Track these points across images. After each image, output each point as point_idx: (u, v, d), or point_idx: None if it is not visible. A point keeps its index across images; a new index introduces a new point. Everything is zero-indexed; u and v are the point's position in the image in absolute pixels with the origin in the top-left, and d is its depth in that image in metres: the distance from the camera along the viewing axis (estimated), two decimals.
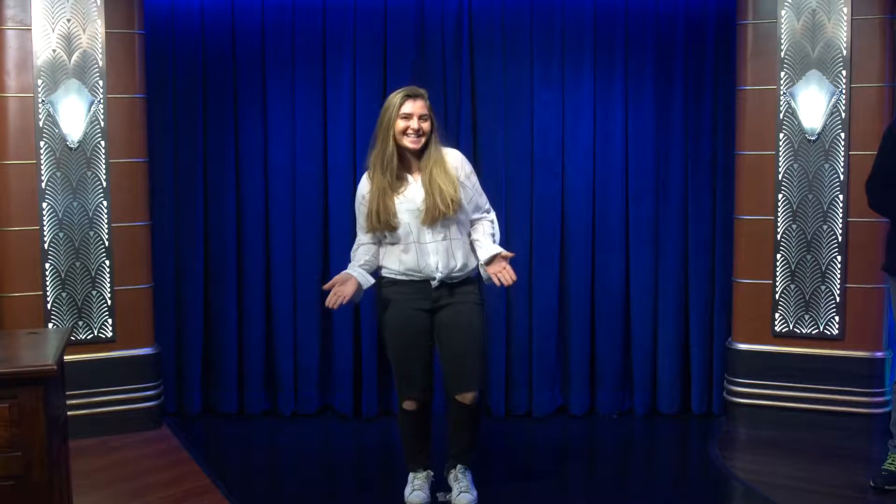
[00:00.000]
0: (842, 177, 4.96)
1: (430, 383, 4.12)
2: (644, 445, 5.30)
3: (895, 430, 4.33)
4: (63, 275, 4.94)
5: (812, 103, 4.97)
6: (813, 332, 5.08)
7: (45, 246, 4.90)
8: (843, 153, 4.95)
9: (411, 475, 4.20)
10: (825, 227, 5.01)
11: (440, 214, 3.92)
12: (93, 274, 4.99)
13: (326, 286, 3.98)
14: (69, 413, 3.61)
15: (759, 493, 4.29)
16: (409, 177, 4.01)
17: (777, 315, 5.13)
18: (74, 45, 4.86)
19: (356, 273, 4.00)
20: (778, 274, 5.11)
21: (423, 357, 4.06)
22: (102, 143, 4.94)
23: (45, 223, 4.89)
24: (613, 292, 5.44)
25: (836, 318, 5.04)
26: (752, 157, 5.11)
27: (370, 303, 5.05)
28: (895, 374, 4.98)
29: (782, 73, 5.01)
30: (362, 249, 4.07)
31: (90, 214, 4.96)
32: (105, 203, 4.97)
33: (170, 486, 4.37)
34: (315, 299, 5.42)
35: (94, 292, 5.00)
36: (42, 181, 4.86)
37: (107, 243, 4.99)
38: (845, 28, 4.89)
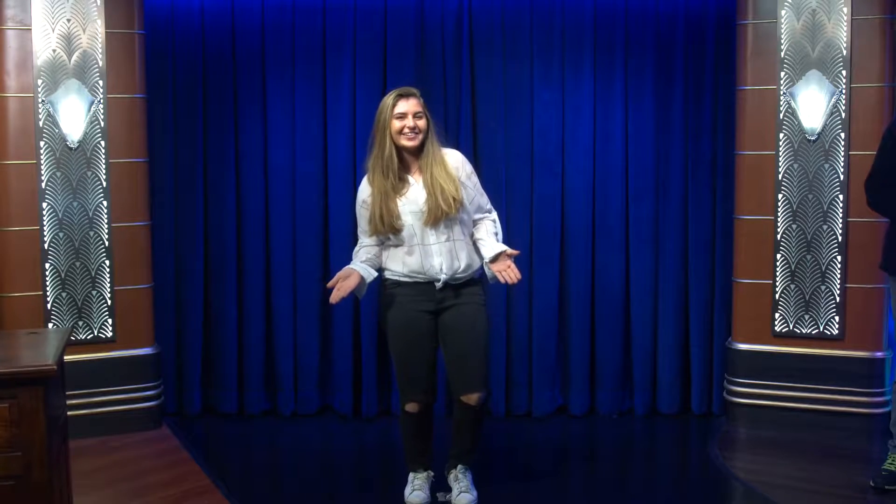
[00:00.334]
0: (842, 177, 4.96)
1: (433, 386, 4.12)
2: (644, 445, 5.30)
3: (895, 430, 4.34)
4: (63, 275, 4.94)
5: (812, 103, 4.97)
6: (813, 332, 5.08)
7: (45, 246, 4.90)
8: (843, 153, 4.95)
9: (411, 475, 4.20)
10: (825, 227, 5.01)
11: (443, 214, 3.92)
12: (93, 274, 4.99)
13: (330, 283, 3.98)
14: (69, 413, 3.61)
15: (759, 493, 4.29)
16: (410, 178, 4.01)
17: (777, 315, 5.13)
18: (74, 45, 4.86)
19: (358, 267, 4.00)
20: (778, 274, 5.11)
21: (426, 359, 4.06)
22: (102, 143, 4.94)
23: (45, 223, 4.89)
24: (613, 292, 5.44)
25: (836, 318, 5.04)
26: (752, 157, 5.11)
27: (370, 303, 5.06)
28: (895, 374, 4.98)
29: (782, 73, 5.01)
30: (364, 249, 4.07)
31: (90, 214, 4.96)
32: (105, 203, 4.97)
33: (170, 486, 4.37)
34: (315, 299, 5.42)
35: (94, 292, 5.00)
36: (42, 181, 4.86)
37: (107, 243, 4.99)
38: (845, 28, 4.89)
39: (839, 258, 5.00)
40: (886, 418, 4.71)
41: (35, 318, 4.89)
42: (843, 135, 4.94)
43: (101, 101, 4.92)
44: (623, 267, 5.44)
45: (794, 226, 5.06)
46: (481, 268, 4.09)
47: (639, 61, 5.36)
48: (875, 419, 4.97)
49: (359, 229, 4.11)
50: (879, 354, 5.01)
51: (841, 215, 4.98)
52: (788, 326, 5.12)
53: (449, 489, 4.18)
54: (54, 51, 4.83)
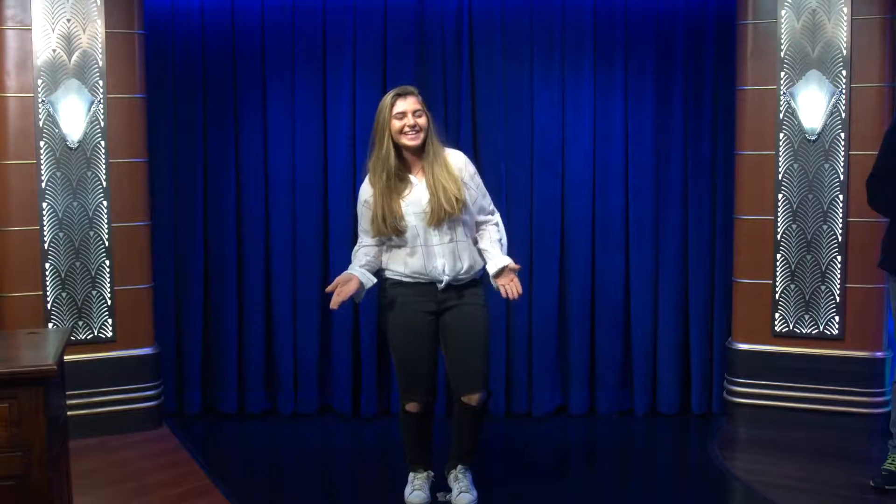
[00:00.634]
0: (842, 177, 4.96)
1: (434, 386, 4.11)
2: (644, 445, 5.30)
3: (895, 430, 4.34)
4: (63, 275, 4.94)
5: (812, 103, 4.97)
6: (813, 332, 5.08)
7: (45, 246, 4.90)
8: (843, 153, 4.95)
9: (411, 475, 4.20)
10: (825, 227, 5.01)
11: (446, 215, 3.92)
12: (93, 274, 4.99)
13: (329, 288, 3.98)
14: (69, 413, 3.61)
15: (759, 493, 4.29)
16: (413, 178, 4.00)
17: (777, 315, 5.13)
18: (74, 45, 4.86)
19: (357, 272, 3.99)
20: (778, 274, 5.11)
21: (427, 360, 4.06)
22: (102, 143, 4.94)
23: (45, 223, 4.89)
24: (613, 292, 5.44)
25: (836, 318, 5.04)
26: (752, 157, 5.11)
27: (370, 304, 5.05)
28: (895, 374, 4.98)
29: (782, 73, 5.01)
30: (363, 251, 4.06)
31: (90, 214, 4.96)
32: (105, 203, 4.97)
33: (170, 486, 4.37)
34: (315, 299, 5.42)
35: (94, 292, 5.00)
36: (42, 181, 4.86)
37: (107, 243, 4.99)
38: (845, 28, 4.89)
39: (839, 258, 5.00)
40: (886, 418, 4.71)
41: (35, 318, 4.89)
42: (843, 135, 4.94)
43: (101, 101, 4.92)
44: (623, 267, 5.44)
45: (794, 226, 5.06)
46: (483, 268, 4.09)
47: (639, 61, 5.36)
48: (875, 419, 4.97)
49: (360, 228, 4.10)
50: (879, 354, 5.01)
51: (841, 215, 4.98)
52: (788, 326, 5.12)
53: (449, 489, 4.18)
54: (54, 51, 4.83)
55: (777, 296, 5.12)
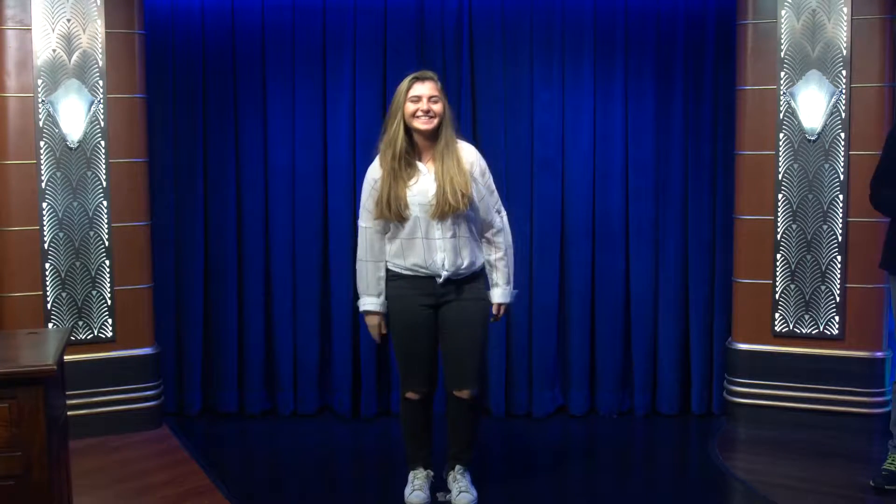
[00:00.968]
0: (842, 177, 4.96)
1: (434, 377, 4.14)
2: (644, 445, 5.30)
3: (895, 430, 4.34)
4: (63, 275, 4.94)
5: (812, 103, 4.97)
6: (813, 332, 5.08)
7: (45, 246, 4.90)
8: (843, 153, 4.95)
9: (411, 475, 4.20)
10: (825, 227, 5.01)
11: (451, 209, 3.90)
12: (93, 274, 4.99)
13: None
14: (69, 413, 3.61)
15: (759, 494, 4.29)
16: (422, 166, 3.98)
17: (777, 315, 5.13)
18: (74, 45, 4.86)
19: (380, 307, 4.08)
20: (778, 274, 5.11)
21: (426, 352, 4.08)
22: (102, 143, 4.94)
23: (45, 223, 4.89)
24: (613, 292, 5.44)
25: (836, 318, 5.04)
26: (752, 157, 5.11)
27: None
28: (895, 374, 4.98)
29: (782, 73, 5.01)
30: (371, 262, 4.03)
31: (90, 214, 4.96)
32: (105, 203, 4.97)
33: (170, 486, 4.37)
34: (315, 299, 5.43)
35: (94, 292, 5.00)
36: (42, 181, 4.86)
37: (107, 243, 4.99)
38: (845, 28, 4.89)
39: (839, 258, 5.00)
40: (886, 418, 4.71)
41: (35, 318, 4.89)
42: (843, 135, 4.94)
43: (101, 101, 4.92)
44: (623, 267, 5.44)
45: (794, 226, 5.06)
46: (483, 264, 4.09)
47: (639, 61, 5.36)
48: (875, 419, 4.97)
49: (362, 208, 4.08)
50: (879, 354, 5.01)
51: (841, 215, 4.98)
52: (788, 326, 5.12)
53: (449, 490, 4.18)
54: (54, 51, 4.83)
55: (777, 296, 5.12)
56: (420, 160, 3.99)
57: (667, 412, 5.46)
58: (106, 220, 4.98)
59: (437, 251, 3.97)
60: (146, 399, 5.13)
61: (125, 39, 4.96)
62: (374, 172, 4.01)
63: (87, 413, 4.91)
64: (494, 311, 4.12)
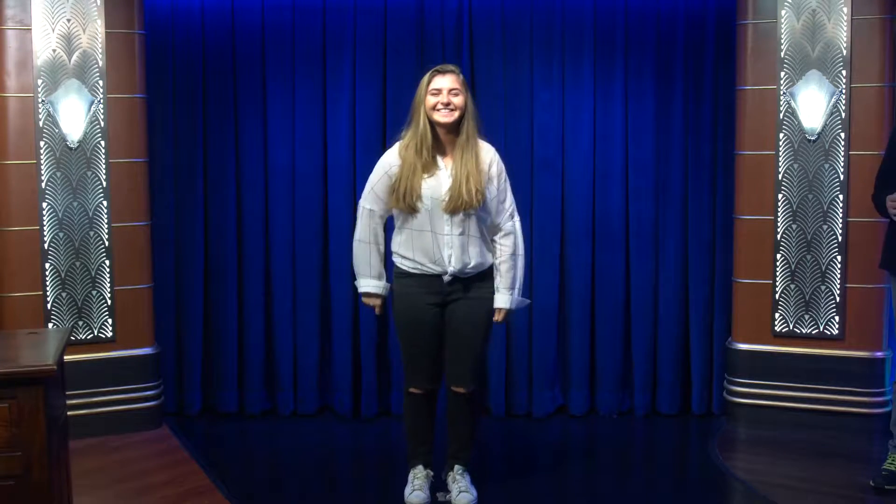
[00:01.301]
0: (842, 177, 4.96)
1: (439, 373, 4.15)
2: (644, 445, 5.30)
3: (895, 430, 4.34)
4: (63, 275, 4.94)
5: (812, 103, 4.97)
6: (813, 332, 5.08)
7: (45, 246, 4.90)
8: (843, 153, 4.95)
9: (411, 474, 4.20)
10: (825, 227, 5.01)
11: (463, 204, 3.90)
12: (93, 274, 4.99)
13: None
14: (69, 413, 3.61)
15: (759, 493, 4.30)
16: (440, 161, 3.97)
17: (777, 315, 5.13)
18: (74, 45, 4.86)
19: (383, 291, 4.12)
20: (778, 274, 5.11)
21: (432, 350, 4.08)
22: (102, 143, 4.94)
23: (45, 223, 4.89)
24: (613, 292, 5.44)
25: (836, 318, 5.04)
26: (752, 157, 5.11)
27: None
28: (895, 374, 4.98)
29: (782, 73, 5.01)
30: (372, 244, 4.04)
31: (90, 214, 4.96)
32: (105, 203, 4.97)
33: (170, 486, 4.37)
34: (315, 299, 5.42)
35: (94, 292, 5.00)
36: (42, 181, 4.86)
37: (107, 243, 4.99)
38: (845, 28, 4.89)
39: (839, 258, 5.00)
40: (886, 418, 4.71)
41: (35, 318, 4.89)
42: (843, 135, 4.94)
43: (101, 101, 4.92)
44: (623, 267, 5.44)
45: (794, 226, 5.06)
46: (491, 264, 4.09)
47: (639, 61, 5.36)
48: (875, 419, 4.97)
49: (370, 190, 4.06)
50: (879, 354, 5.01)
51: (841, 215, 4.98)
52: (788, 326, 5.12)
53: (449, 490, 4.18)
54: (54, 51, 4.83)
55: (777, 296, 5.12)
56: (439, 154, 3.99)
57: (667, 412, 5.47)
58: (106, 220, 4.98)
59: (444, 247, 3.97)
60: (146, 399, 5.13)
61: (125, 39, 4.96)
62: (392, 157, 4.01)
63: (87, 413, 4.91)
64: (495, 315, 4.11)
